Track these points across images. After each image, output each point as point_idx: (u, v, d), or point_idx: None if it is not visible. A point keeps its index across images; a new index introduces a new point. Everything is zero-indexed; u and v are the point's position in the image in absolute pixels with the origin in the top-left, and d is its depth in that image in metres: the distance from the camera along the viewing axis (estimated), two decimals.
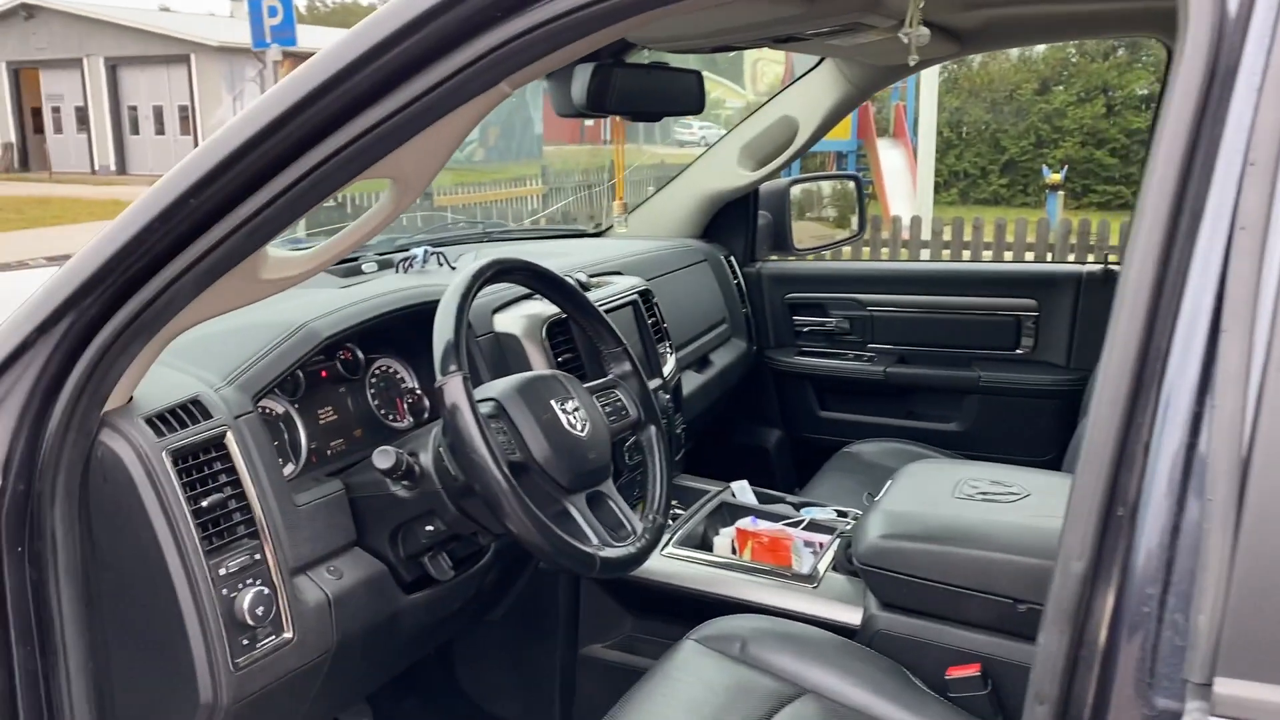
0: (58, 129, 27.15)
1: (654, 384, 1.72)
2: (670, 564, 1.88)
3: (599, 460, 1.49)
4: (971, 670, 1.61)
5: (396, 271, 2.00)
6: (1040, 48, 18.10)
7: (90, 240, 1.10)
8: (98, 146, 26.36)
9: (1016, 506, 1.77)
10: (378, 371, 1.73)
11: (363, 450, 1.57)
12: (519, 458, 1.40)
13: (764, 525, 1.98)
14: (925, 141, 12.00)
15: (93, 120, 26.30)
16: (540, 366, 1.82)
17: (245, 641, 1.26)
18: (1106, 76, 17.84)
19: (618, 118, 2.18)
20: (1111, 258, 2.68)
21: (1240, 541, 0.68)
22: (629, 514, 1.51)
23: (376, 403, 1.71)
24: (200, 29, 25.43)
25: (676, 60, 2.07)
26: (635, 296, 2.17)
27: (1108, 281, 2.64)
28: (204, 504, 1.24)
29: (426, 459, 1.43)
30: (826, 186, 3.48)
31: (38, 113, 27.39)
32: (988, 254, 9.35)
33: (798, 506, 2.13)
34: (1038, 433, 2.70)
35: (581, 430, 1.47)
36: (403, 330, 1.72)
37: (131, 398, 1.24)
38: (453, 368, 1.32)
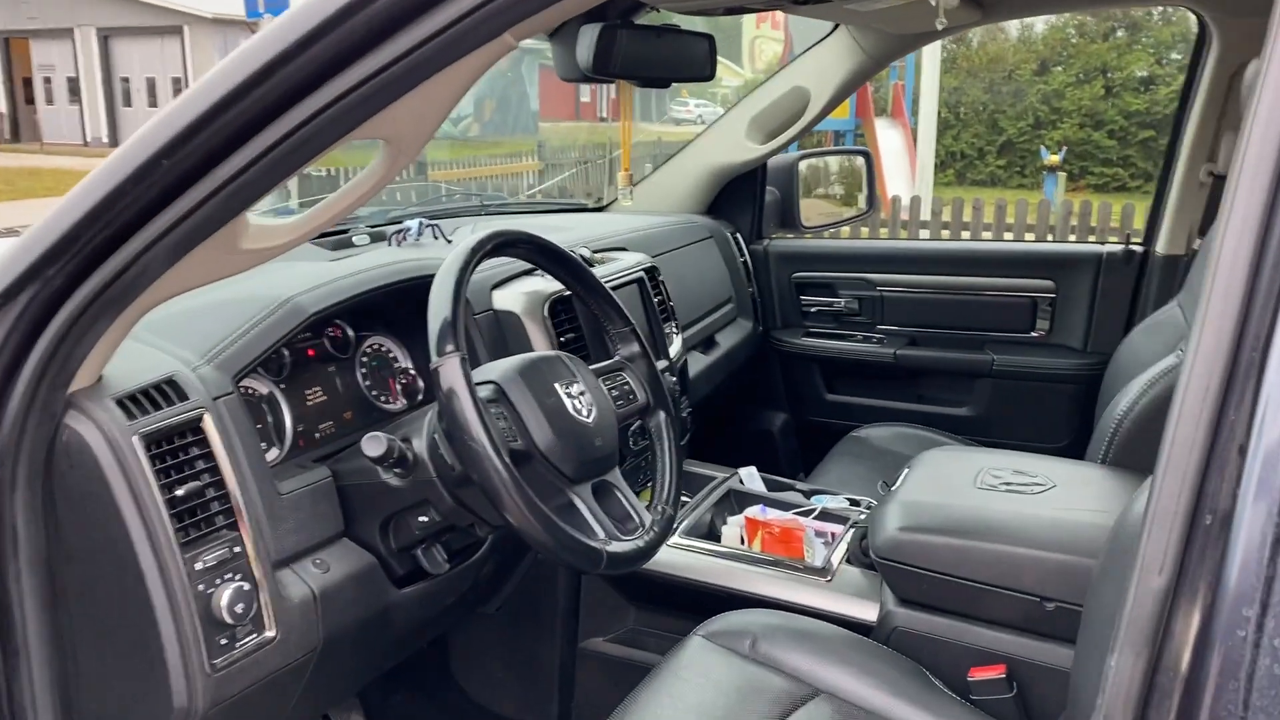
0: (49, 100, 26.90)
1: (661, 365, 1.63)
2: (676, 554, 1.80)
3: (606, 448, 1.40)
4: (996, 672, 1.54)
5: (389, 244, 1.90)
6: (1040, 27, 17.99)
7: (54, 205, 1.01)
8: (90, 118, 26.12)
9: (1042, 498, 1.69)
10: (369, 350, 1.63)
11: (353, 434, 1.48)
12: (520, 445, 1.30)
13: (774, 514, 1.90)
14: (925, 121, 11.90)
15: (84, 91, 26.06)
16: (542, 347, 1.72)
17: (223, 641, 1.17)
18: (1105, 58, 17.70)
19: (619, 91, 2.08)
20: (1134, 238, 2.59)
21: None
22: (636, 505, 1.41)
23: (368, 383, 1.61)
24: (193, 0, 25.20)
25: (686, 24, 1.96)
26: (641, 273, 2.08)
27: (1129, 262, 2.55)
28: (179, 492, 1.15)
29: (420, 445, 1.33)
30: (834, 162, 3.39)
31: (28, 83, 27.13)
32: (988, 235, 9.27)
33: (808, 494, 2.05)
34: (1052, 419, 2.63)
35: (587, 416, 1.38)
36: (396, 306, 1.62)
37: (101, 377, 1.15)
38: (449, 348, 1.23)
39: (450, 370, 1.21)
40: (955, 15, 1.97)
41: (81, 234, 0.99)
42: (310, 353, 1.53)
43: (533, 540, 1.21)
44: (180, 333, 1.31)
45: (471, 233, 1.44)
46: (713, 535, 1.93)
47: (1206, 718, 0.66)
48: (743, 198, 2.87)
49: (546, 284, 1.80)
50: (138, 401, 1.16)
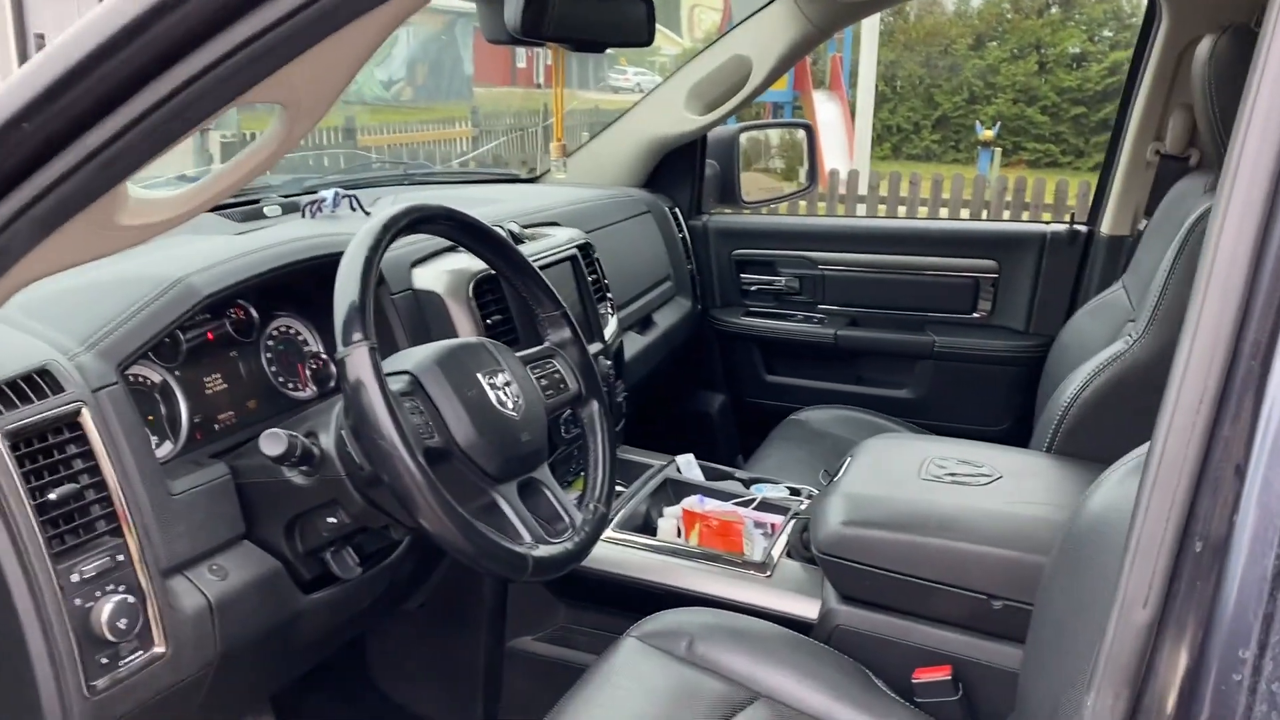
0: None
1: (594, 348, 1.53)
2: (610, 549, 1.71)
3: (533, 443, 1.29)
4: (941, 673, 1.48)
5: (303, 216, 1.77)
6: (976, 2, 18.08)
7: None
8: (2, 76, 25.14)
9: (989, 490, 1.64)
10: (275, 333, 1.50)
11: (257, 425, 1.35)
12: (437, 442, 1.19)
13: (712, 505, 1.82)
14: (864, 94, 11.89)
15: None
16: (466, 330, 1.61)
17: (104, 660, 1.06)
18: (1040, 34, 17.85)
19: (553, 56, 1.97)
20: (1070, 214, 2.55)
21: None
22: (566, 503, 1.31)
23: (274, 369, 1.48)
24: None
25: None
26: (574, 251, 1.96)
27: (1073, 243, 2.51)
28: (51, 496, 1.04)
29: (328, 440, 1.22)
30: (775, 135, 3.29)
31: None
32: (924, 210, 9.29)
33: (747, 483, 1.97)
34: (994, 402, 2.59)
35: (513, 408, 1.27)
36: (305, 285, 1.49)
37: None
38: (357, 336, 1.11)
39: (357, 361, 1.10)
40: None
41: None
42: (210, 336, 1.40)
43: (450, 547, 1.10)
44: (58, 316, 1.18)
45: (391, 205, 1.32)
46: (648, 528, 1.84)
47: None
48: (682, 171, 2.76)
49: (472, 261, 1.67)
50: (4, 395, 1.03)
